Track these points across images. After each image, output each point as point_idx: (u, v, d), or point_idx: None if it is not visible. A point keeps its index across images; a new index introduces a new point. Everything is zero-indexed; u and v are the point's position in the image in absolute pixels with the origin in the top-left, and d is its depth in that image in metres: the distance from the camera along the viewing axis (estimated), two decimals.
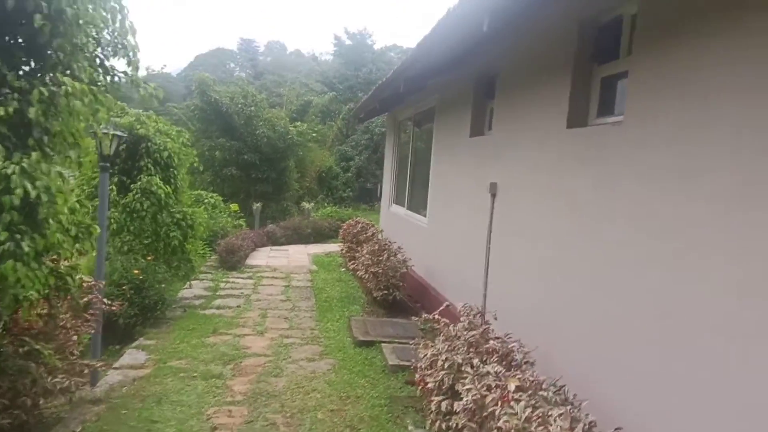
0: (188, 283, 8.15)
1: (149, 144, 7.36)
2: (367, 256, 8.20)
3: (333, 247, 13.91)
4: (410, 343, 6.48)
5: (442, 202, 7.91)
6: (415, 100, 9.57)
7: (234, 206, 14.78)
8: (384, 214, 12.19)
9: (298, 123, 22.08)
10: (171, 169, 7.60)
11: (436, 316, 5.05)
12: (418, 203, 9.70)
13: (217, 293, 8.71)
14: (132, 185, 7.29)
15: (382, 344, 6.38)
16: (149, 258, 7.27)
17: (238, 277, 9.89)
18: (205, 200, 13.74)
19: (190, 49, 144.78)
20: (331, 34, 64.51)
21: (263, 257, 11.89)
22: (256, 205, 15.41)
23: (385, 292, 7.83)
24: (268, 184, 20.80)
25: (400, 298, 7.97)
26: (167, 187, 7.38)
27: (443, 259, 7.62)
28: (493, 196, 5.89)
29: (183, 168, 7.88)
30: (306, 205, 15.74)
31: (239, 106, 20.74)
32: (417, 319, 5.21)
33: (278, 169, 21.08)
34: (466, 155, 6.92)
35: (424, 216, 8.70)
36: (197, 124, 23.81)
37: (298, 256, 12.34)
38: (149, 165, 7.35)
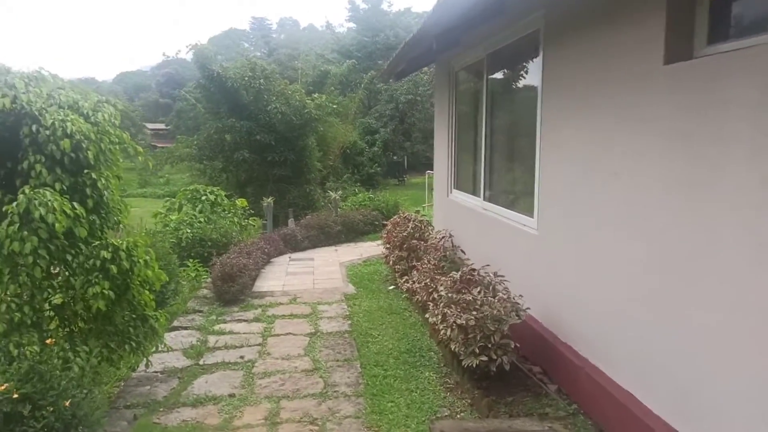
0: (144, 359, 4.59)
1: (36, 128, 3.73)
2: (444, 294, 4.53)
3: (371, 247, 10.24)
4: None
5: (571, 197, 4.18)
6: (489, 33, 5.77)
7: (241, 201, 11.14)
8: (440, 205, 8.44)
9: (316, 95, 18.35)
10: (84, 173, 3.97)
11: None
12: (509, 193, 5.99)
13: (201, 362, 5.13)
14: (8, 207, 3.69)
15: None
16: (49, 341, 3.72)
17: (239, 320, 6.28)
18: (203, 196, 10.13)
19: (204, 33, 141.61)
20: (345, 2, 59.96)
21: (279, 276, 8.22)
22: (267, 201, 11.71)
23: (485, 358, 4.20)
24: (286, 167, 17.21)
25: (510, 364, 4.30)
26: (75, 206, 3.76)
27: (590, 298, 3.93)
28: None
29: (112, 167, 4.23)
30: (332, 194, 12.10)
31: (246, 79, 17.06)
32: None
33: (297, 149, 17.44)
34: (654, 105, 3.16)
35: (530, 216, 4.98)
36: (205, 104, 20.35)
37: (327, 268, 8.67)
38: (39, 167, 3.73)
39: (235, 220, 10.17)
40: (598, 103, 3.77)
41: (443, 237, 6.57)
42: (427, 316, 5.02)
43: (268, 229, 11.54)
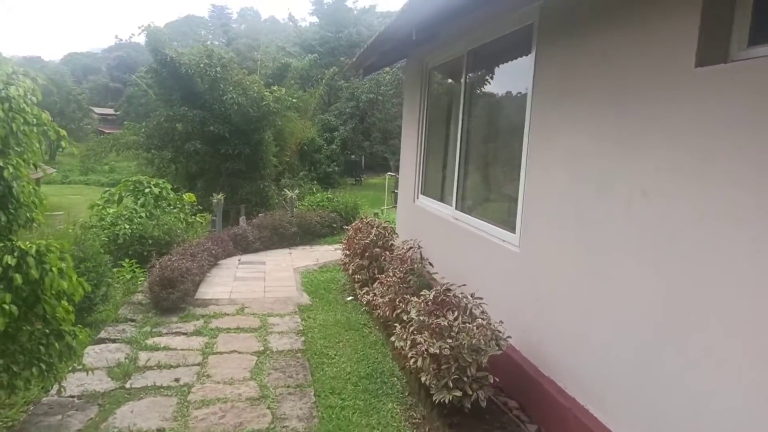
0: (57, 384, 3.84)
1: None
2: (416, 317, 3.97)
3: (328, 251, 9.61)
4: None
5: (561, 212, 3.71)
6: (473, 26, 5.26)
7: (189, 196, 10.30)
8: (405, 210, 7.90)
9: (275, 88, 17.56)
10: None
11: None
12: (485, 204, 5.50)
13: (128, 385, 4.39)
14: None
15: None
16: None
17: (177, 332, 5.55)
18: (146, 189, 9.26)
19: (161, 17, 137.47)
20: None
21: (226, 281, 7.46)
22: (217, 198, 10.88)
23: (458, 393, 3.67)
24: (240, 161, 16.38)
25: (487, 400, 3.79)
26: None
27: (584, 329, 3.45)
28: None
29: (26, 152, 3.49)
30: (289, 193, 11.36)
31: (202, 66, 16.12)
32: None
33: (252, 143, 16.61)
34: (681, 117, 2.70)
35: (511, 231, 4.48)
36: (156, 90, 19.28)
37: (280, 273, 7.99)
38: None
39: (181, 216, 9.33)
40: (608, 113, 3.28)
41: (411, 248, 6.02)
42: (392, 339, 4.45)
43: (217, 227, 10.72)
